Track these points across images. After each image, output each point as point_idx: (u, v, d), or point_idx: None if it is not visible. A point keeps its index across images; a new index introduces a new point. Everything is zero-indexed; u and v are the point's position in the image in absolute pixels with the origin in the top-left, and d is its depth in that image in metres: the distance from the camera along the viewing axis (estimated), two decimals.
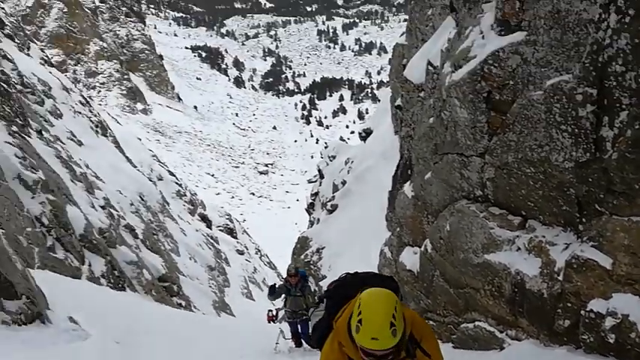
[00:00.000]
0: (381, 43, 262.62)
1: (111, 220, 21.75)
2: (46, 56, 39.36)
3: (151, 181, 38.07)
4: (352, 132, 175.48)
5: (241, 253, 49.32)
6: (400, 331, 2.86)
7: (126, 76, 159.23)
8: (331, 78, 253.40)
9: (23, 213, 13.60)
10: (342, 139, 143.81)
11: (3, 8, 34.38)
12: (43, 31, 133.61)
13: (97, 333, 7.77)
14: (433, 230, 7.42)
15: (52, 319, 7.21)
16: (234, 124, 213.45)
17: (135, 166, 36.33)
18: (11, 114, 18.82)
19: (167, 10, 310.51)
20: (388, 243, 10.21)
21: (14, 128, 17.19)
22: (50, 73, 33.13)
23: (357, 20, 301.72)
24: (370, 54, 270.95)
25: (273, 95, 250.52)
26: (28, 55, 32.22)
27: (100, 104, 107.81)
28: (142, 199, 31.23)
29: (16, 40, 31.39)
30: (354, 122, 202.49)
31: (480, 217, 6.25)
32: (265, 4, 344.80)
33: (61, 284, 11.03)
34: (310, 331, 3.35)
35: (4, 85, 19.73)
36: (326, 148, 31.18)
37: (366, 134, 25.39)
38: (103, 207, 22.32)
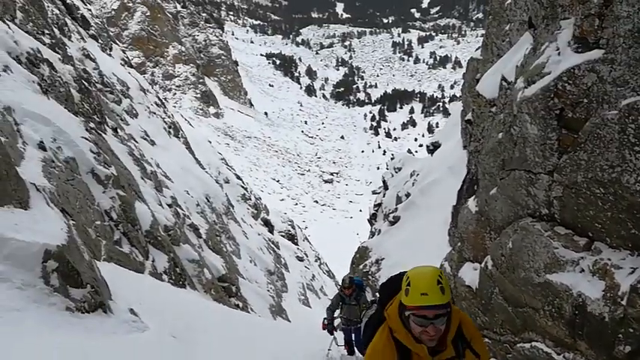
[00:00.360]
0: (457, 57, 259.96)
1: (176, 218, 22.22)
2: (127, 57, 40.87)
3: (217, 183, 38.87)
4: (421, 145, 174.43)
5: (301, 259, 49.63)
6: (448, 292, 2.95)
7: (201, 80, 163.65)
8: (403, 90, 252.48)
9: (94, 206, 14.04)
10: (409, 151, 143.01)
11: (90, 10, 35.97)
12: (125, 33, 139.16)
13: (155, 326, 7.96)
14: (495, 247, 7.29)
15: (114, 309, 7.39)
16: (302, 131, 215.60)
17: (203, 168, 37.19)
18: (90, 111, 19.58)
19: (245, 18, 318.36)
20: (448, 258, 10.08)
21: (91, 125, 17.82)
22: (129, 73, 34.38)
23: (434, 33, 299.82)
24: (444, 67, 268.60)
25: (343, 105, 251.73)
26: (110, 55, 33.53)
27: (174, 106, 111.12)
28: (208, 201, 31.89)
29: (100, 41, 32.74)
30: (423, 135, 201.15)
31: (545, 236, 6.11)
32: (342, 14, 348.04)
33: (124, 277, 11.32)
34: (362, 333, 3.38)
35: (85, 83, 20.59)
36: (392, 159, 31.00)
37: (433, 147, 25.12)
38: (169, 205, 22.84)
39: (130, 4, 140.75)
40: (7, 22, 15.88)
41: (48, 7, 23.28)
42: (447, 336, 3.06)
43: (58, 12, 24.92)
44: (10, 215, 6.29)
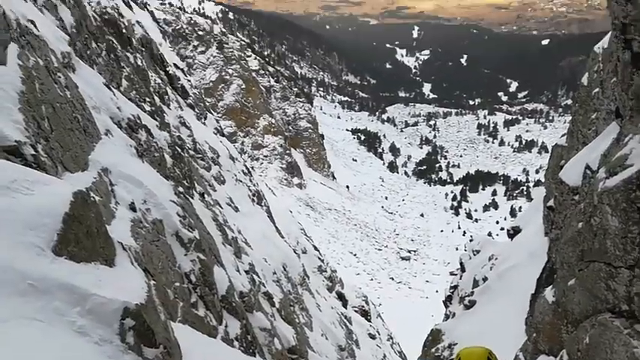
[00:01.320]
0: (543, 141, 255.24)
1: (252, 285, 22.33)
2: (220, 127, 42.69)
3: (295, 252, 39.09)
4: (502, 228, 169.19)
5: (373, 337, 48.54)
6: None
7: (287, 151, 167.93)
8: (486, 172, 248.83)
9: (175, 268, 14.41)
10: (489, 234, 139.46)
11: (189, 81, 38.16)
12: (220, 104, 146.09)
13: None
14: (571, 341, 7.02)
15: None
16: (382, 207, 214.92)
17: (282, 237, 37.61)
18: (180, 176, 20.43)
19: (334, 94, 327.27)
20: (523, 348, 9.73)
21: (180, 189, 18.50)
22: (221, 142, 35.78)
23: (520, 117, 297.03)
24: (530, 152, 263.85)
25: (424, 183, 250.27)
26: (204, 124, 35.15)
27: (260, 175, 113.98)
28: (285, 270, 32.03)
29: (196, 110, 34.49)
30: (504, 219, 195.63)
31: (624, 333, 5.85)
32: (429, 94, 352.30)
33: (197, 340, 11.46)
34: None
35: (179, 149, 21.59)
36: (471, 241, 30.39)
37: (514, 232, 24.51)
38: (247, 272, 23.03)
39: (227, 77, 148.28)
40: (112, 89, 17.08)
41: (152, 76, 24.89)
42: None
43: (160, 81, 26.58)
44: (96, 271, 6.62)
